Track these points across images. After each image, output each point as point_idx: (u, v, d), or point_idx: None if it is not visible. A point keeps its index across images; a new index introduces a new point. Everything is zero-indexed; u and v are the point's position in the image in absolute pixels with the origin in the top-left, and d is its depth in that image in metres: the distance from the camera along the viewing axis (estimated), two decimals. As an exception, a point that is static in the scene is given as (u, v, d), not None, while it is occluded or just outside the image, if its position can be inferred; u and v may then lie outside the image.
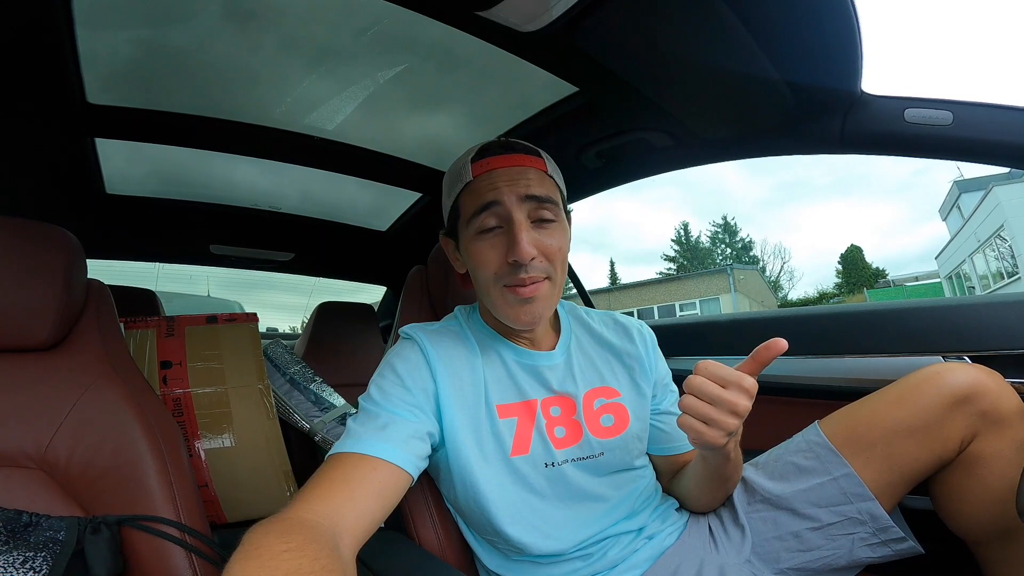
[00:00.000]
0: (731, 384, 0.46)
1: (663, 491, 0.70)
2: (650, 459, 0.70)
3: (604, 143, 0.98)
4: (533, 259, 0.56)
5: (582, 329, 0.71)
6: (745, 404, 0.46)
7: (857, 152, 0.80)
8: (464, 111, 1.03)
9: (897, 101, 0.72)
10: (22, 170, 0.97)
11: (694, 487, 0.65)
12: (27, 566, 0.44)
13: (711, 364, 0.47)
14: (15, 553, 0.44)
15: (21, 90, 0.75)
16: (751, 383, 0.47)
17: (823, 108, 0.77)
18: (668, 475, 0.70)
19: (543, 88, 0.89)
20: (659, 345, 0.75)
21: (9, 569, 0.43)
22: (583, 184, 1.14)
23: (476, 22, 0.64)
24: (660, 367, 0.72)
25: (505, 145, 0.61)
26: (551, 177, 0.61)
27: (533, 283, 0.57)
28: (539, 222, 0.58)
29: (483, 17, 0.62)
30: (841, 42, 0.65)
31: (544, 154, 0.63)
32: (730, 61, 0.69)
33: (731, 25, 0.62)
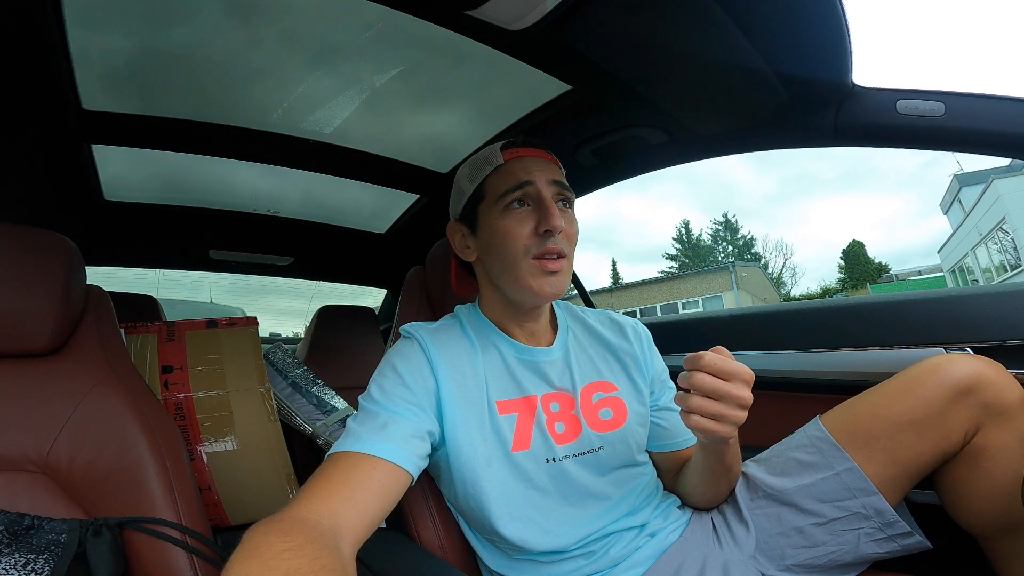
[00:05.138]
0: (734, 377, 0.47)
1: (665, 489, 0.70)
2: (651, 457, 0.70)
3: (599, 140, 0.98)
4: (561, 231, 0.59)
5: (579, 326, 0.71)
6: (749, 395, 0.47)
7: (851, 144, 0.80)
8: (460, 111, 1.03)
9: (889, 93, 0.72)
10: (19, 177, 0.98)
11: (697, 480, 0.65)
12: (29, 568, 0.44)
13: (712, 357, 0.47)
14: (17, 555, 0.45)
15: (13, 97, 0.75)
16: (750, 373, 0.48)
17: (816, 101, 0.78)
18: (670, 472, 0.70)
19: (536, 87, 0.89)
20: (659, 341, 0.75)
21: (11, 571, 0.43)
22: (580, 182, 1.14)
23: (465, 21, 0.65)
24: (656, 364, 0.72)
25: (530, 141, 0.66)
26: (563, 176, 0.66)
27: (559, 257, 0.60)
28: (561, 206, 0.61)
29: (472, 16, 0.62)
30: (830, 35, 0.66)
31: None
32: (721, 56, 0.69)
33: (720, 20, 0.62)
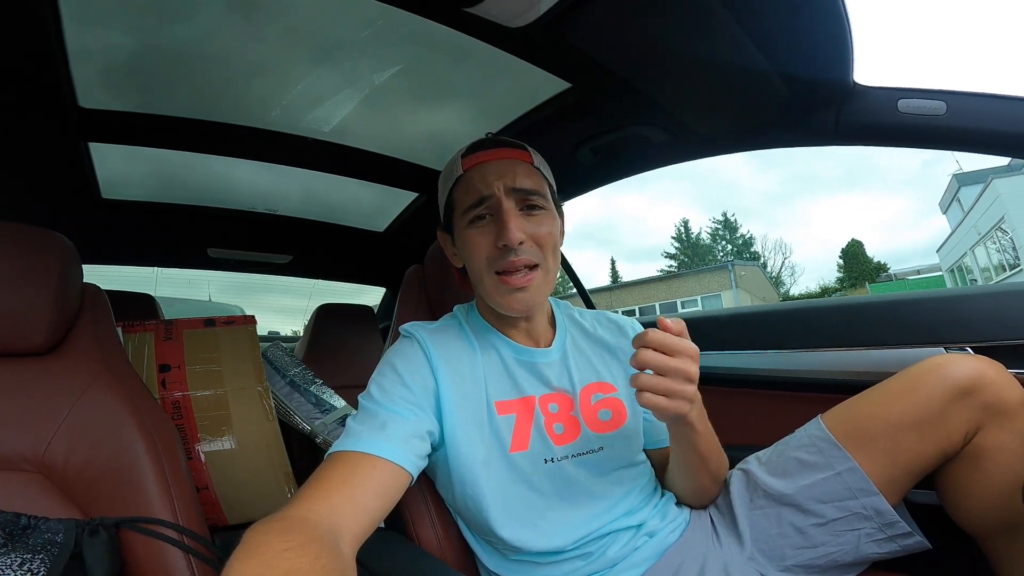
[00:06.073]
0: (678, 352, 0.48)
1: (661, 487, 0.69)
2: (646, 455, 0.70)
3: (599, 139, 0.98)
4: (522, 243, 0.57)
5: (576, 328, 0.71)
6: (696, 369, 0.49)
7: (852, 143, 0.80)
8: (460, 108, 1.03)
9: (890, 92, 0.72)
10: (15, 174, 0.97)
11: (678, 474, 0.64)
12: (25, 568, 0.44)
13: (656, 334, 0.49)
14: (13, 555, 0.44)
15: (8, 94, 0.74)
16: (694, 348, 0.50)
17: (817, 100, 0.77)
18: (661, 470, 0.70)
19: (537, 85, 0.88)
20: None
21: (7, 571, 0.43)
22: (580, 180, 1.14)
23: (465, 18, 0.64)
24: None
25: (493, 141, 0.64)
26: (538, 169, 0.63)
27: (525, 270, 0.58)
28: (528, 211, 0.60)
29: (471, 13, 0.62)
30: (831, 33, 0.66)
31: (530, 148, 0.65)
32: (722, 55, 0.69)
33: (722, 18, 0.62)
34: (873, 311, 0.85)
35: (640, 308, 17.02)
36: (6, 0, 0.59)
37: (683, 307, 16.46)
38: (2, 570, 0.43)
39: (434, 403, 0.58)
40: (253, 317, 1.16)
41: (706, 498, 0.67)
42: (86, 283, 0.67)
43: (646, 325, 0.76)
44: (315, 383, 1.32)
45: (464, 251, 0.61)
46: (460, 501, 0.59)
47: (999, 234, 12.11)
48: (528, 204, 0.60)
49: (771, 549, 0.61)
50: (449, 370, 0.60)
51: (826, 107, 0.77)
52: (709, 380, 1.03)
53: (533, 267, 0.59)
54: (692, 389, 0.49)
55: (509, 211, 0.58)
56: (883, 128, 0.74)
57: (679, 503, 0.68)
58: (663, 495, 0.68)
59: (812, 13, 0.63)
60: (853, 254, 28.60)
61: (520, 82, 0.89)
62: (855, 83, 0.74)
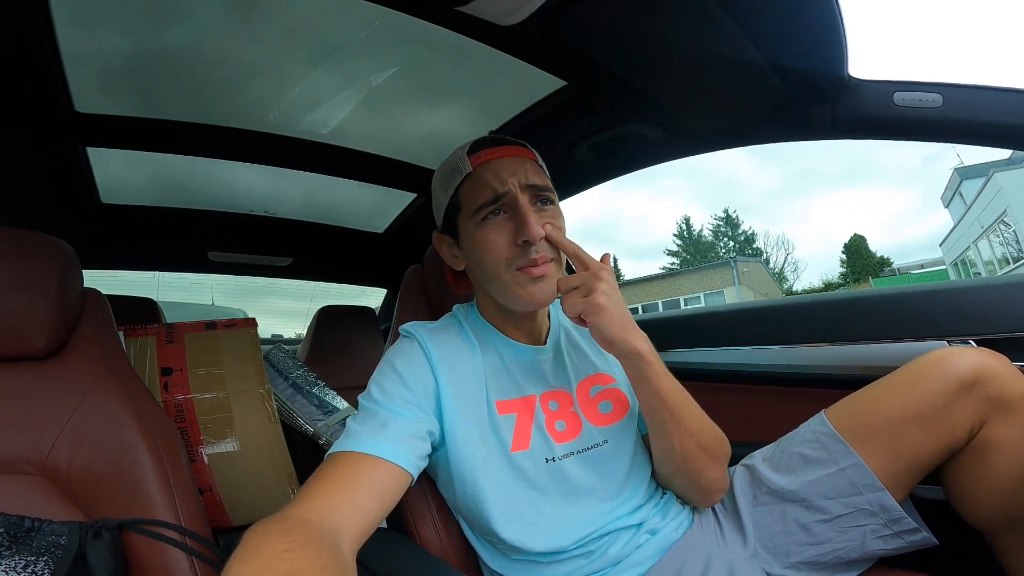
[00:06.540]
0: (590, 265, 0.57)
1: (659, 484, 0.69)
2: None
3: (596, 136, 0.98)
4: (541, 238, 0.57)
5: (570, 323, 0.71)
6: (605, 273, 0.55)
7: (849, 137, 0.79)
8: (458, 108, 1.03)
9: (886, 85, 0.72)
10: (14, 180, 0.98)
11: (654, 433, 0.61)
12: (29, 570, 0.44)
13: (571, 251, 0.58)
14: (17, 558, 0.45)
15: (3, 100, 0.74)
16: (602, 265, 0.57)
17: (813, 94, 0.77)
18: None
19: (534, 83, 0.88)
20: (662, 338, 0.75)
21: (11, 574, 0.43)
22: (577, 178, 1.14)
23: (457, 17, 0.64)
24: None
25: (498, 140, 0.63)
26: (542, 167, 0.64)
27: (544, 263, 0.58)
28: (540, 206, 0.60)
29: (464, 12, 0.62)
30: (824, 27, 0.66)
31: (531, 147, 0.66)
32: (717, 50, 0.69)
33: (715, 13, 0.62)
34: (875, 305, 0.84)
35: (643, 306, 16.99)
36: None
37: (686, 304, 16.42)
38: (6, 572, 0.43)
39: (434, 403, 0.58)
40: (254, 320, 1.17)
41: (696, 473, 0.60)
42: (87, 288, 0.67)
43: (651, 321, 0.76)
44: (317, 385, 1.33)
45: (476, 250, 0.60)
46: (461, 501, 0.59)
47: (1002, 227, 12.04)
48: (541, 199, 0.60)
49: (776, 546, 0.60)
50: (449, 370, 0.60)
51: (822, 101, 0.77)
52: (711, 377, 1.02)
53: (548, 260, 0.59)
54: (598, 284, 0.54)
55: (527, 206, 0.57)
56: (880, 121, 0.74)
57: (681, 501, 0.68)
58: (664, 494, 0.67)
59: (804, 7, 0.63)
60: (856, 249, 28.48)
61: (517, 81, 0.89)
62: (850, 76, 0.74)
